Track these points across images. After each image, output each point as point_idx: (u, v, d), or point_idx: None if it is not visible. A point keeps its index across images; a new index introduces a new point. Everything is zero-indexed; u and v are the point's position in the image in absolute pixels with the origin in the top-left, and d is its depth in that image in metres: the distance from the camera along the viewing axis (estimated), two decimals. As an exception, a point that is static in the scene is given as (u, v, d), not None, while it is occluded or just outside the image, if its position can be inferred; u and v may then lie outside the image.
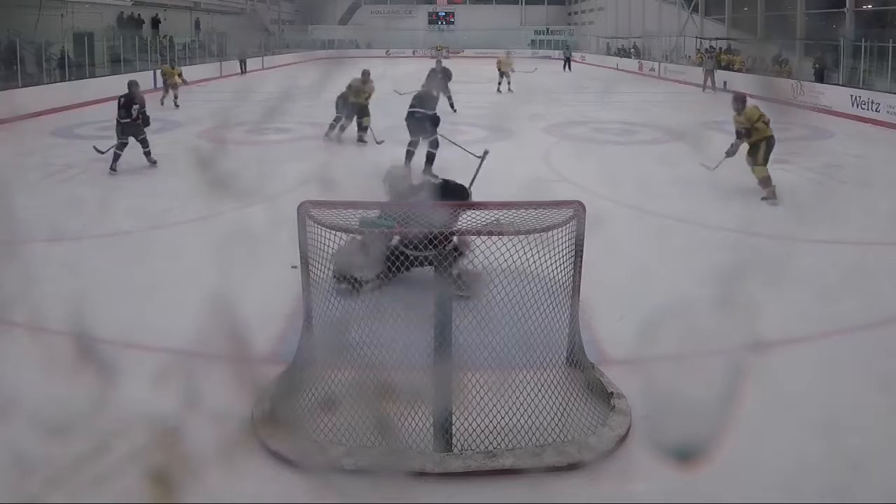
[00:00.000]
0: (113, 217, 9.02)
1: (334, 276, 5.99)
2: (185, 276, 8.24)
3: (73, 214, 10.60)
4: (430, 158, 13.32)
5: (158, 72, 26.51)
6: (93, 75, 28.96)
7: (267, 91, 30.31)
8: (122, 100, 14.17)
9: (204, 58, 41.65)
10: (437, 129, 13.40)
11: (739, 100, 12.30)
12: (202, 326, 6.03)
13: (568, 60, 48.07)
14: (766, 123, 11.92)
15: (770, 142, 11.84)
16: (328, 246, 5.50)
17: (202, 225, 10.07)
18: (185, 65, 37.68)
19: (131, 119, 14.05)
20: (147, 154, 14.41)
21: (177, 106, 24.23)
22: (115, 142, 14.04)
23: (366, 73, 16.98)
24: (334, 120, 16.86)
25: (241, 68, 41.56)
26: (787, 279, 7.66)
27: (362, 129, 16.50)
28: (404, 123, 13.78)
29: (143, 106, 14.30)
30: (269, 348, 6.57)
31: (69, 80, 27.32)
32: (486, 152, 9.59)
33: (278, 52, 52.23)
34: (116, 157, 13.96)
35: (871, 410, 5.50)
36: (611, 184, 11.93)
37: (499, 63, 29.98)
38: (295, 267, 5.50)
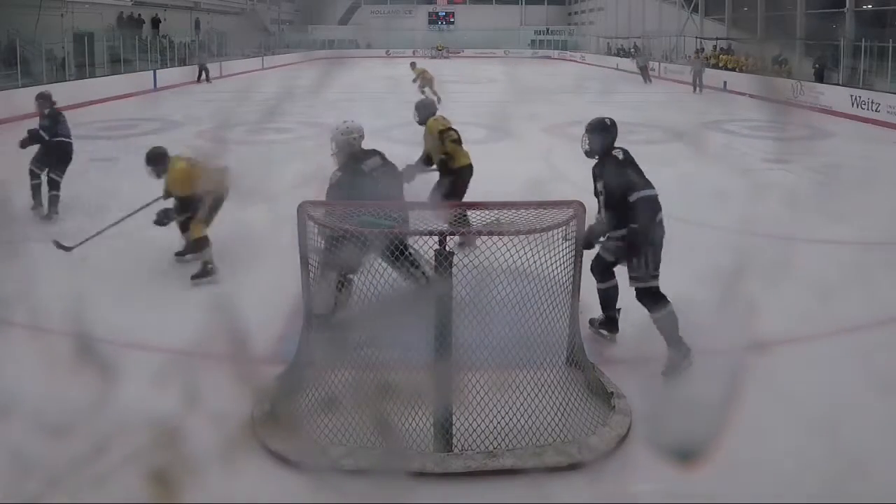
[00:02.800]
0: (112, 217, 8.99)
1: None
2: (185, 277, 8.26)
3: (72, 215, 10.61)
4: None
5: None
6: (93, 75, 29.00)
7: (266, 91, 30.29)
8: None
9: (203, 59, 41.51)
10: None
11: None
12: (202, 326, 6.04)
13: (644, 70, 39.00)
14: None
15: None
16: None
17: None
18: (185, 64, 37.61)
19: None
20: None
21: None
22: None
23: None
24: None
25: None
26: (787, 279, 7.66)
27: None
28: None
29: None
30: (269, 348, 6.57)
31: (69, 80, 27.33)
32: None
33: (278, 52, 52.23)
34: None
35: (871, 410, 5.50)
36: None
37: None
38: None
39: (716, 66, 35.07)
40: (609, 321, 6.77)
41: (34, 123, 11.36)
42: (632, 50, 49.74)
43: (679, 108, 24.11)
